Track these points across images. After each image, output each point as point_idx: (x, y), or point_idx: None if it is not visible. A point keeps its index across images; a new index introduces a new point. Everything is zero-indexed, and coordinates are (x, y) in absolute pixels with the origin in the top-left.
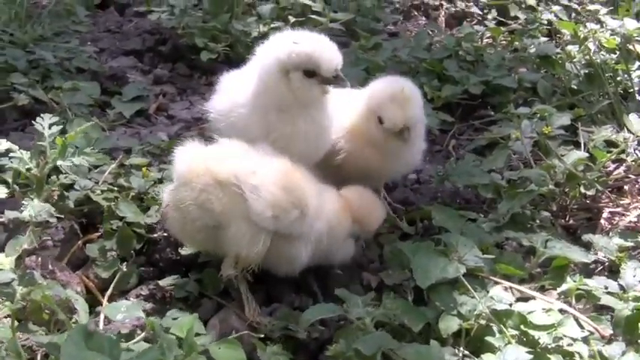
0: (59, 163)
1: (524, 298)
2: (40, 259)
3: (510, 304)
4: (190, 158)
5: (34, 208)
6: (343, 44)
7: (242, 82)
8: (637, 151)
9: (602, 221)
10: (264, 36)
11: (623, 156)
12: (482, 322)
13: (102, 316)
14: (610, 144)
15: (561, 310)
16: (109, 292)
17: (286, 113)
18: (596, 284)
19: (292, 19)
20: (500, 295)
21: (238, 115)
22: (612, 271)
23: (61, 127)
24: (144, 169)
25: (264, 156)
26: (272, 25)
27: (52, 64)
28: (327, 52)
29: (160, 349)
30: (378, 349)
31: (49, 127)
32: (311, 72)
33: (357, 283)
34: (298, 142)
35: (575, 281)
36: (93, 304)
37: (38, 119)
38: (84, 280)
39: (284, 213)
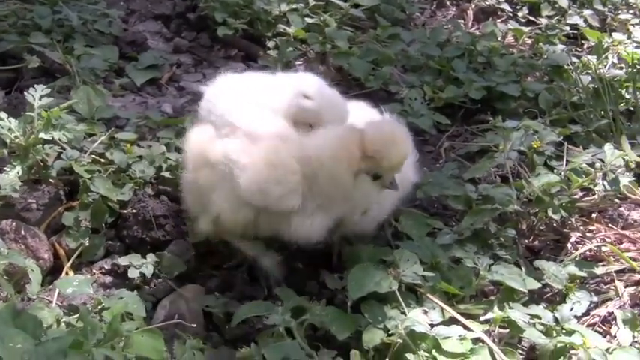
0: (41, 135)
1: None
2: (14, 223)
3: (432, 326)
4: (193, 142)
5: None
6: (362, 31)
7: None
8: (604, 183)
9: (569, 245)
10: (283, 15)
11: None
12: (400, 340)
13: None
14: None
15: (478, 339)
16: (69, 263)
17: None
18: (527, 313)
19: (312, 2)
20: (419, 317)
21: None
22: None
23: (52, 98)
24: (128, 145)
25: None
26: (292, 6)
27: (76, 26)
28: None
29: (83, 332)
30: (284, 358)
31: (40, 99)
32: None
33: (314, 280)
34: None
35: (501, 310)
36: (60, 270)
37: (31, 90)
38: (55, 247)
39: (267, 189)
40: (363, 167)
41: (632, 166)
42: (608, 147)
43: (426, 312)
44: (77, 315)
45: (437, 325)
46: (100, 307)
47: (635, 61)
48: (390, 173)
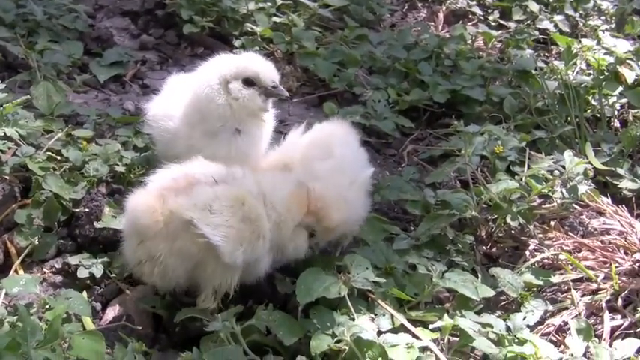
0: None
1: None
2: None
3: (380, 333)
4: (150, 207)
5: None
6: (331, 31)
7: (181, 92)
8: (563, 190)
9: (527, 252)
10: (251, 14)
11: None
12: (347, 348)
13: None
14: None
15: (425, 348)
16: (18, 261)
17: (212, 137)
18: (478, 321)
19: (280, 1)
20: (367, 324)
21: (166, 127)
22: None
23: (6, 94)
24: (84, 142)
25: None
26: (260, 5)
27: (40, 20)
28: (265, 63)
29: (22, 333)
30: None
31: None
32: (250, 81)
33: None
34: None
35: (452, 318)
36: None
37: None
38: (7, 245)
39: (251, 246)
40: (305, 221)
41: (591, 175)
42: (567, 154)
43: (373, 319)
44: None
45: (385, 332)
46: (45, 307)
47: (602, 68)
48: (325, 236)
